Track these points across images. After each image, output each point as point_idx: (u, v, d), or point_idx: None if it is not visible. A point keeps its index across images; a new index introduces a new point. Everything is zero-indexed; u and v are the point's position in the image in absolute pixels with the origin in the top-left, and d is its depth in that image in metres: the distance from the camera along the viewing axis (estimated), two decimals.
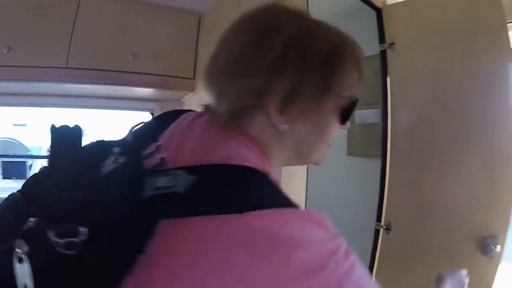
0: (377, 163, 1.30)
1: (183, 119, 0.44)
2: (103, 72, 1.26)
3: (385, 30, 1.31)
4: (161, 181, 0.31)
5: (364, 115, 1.43)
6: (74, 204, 0.31)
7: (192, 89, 1.49)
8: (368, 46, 1.37)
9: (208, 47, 1.40)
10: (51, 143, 0.36)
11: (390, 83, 1.28)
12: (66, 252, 0.28)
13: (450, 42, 1.07)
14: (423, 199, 1.11)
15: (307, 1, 0.93)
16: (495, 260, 0.90)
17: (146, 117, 1.93)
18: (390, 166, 1.24)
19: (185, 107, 1.65)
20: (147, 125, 0.47)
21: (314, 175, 0.97)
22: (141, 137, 0.43)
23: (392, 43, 1.25)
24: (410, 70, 1.21)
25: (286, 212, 0.32)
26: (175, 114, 0.47)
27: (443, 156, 1.07)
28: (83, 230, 0.28)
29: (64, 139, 0.37)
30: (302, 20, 0.41)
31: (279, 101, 0.38)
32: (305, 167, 0.90)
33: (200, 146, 0.38)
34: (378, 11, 1.35)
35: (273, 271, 0.28)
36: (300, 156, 0.45)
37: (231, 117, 0.39)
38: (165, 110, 1.76)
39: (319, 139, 0.44)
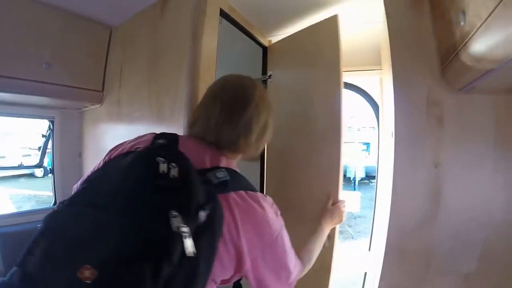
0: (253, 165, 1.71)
1: (185, 141, 0.69)
2: (15, 80, 1.26)
3: (268, 64, 1.75)
4: (220, 174, 0.63)
5: None
6: (201, 192, 0.55)
7: (99, 101, 1.58)
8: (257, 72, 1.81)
9: (117, 60, 1.50)
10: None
11: None
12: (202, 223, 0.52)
13: (303, 76, 1.54)
14: (287, 192, 1.52)
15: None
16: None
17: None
18: (266, 167, 1.65)
19: (86, 117, 1.83)
20: (164, 144, 0.68)
21: None
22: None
23: (270, 75, 1.69)
24: (280, 95, 1.65)
25: (260, 193, 0.69)
26: (171, 136, 0.70)
27: (298, 162, 1.49)
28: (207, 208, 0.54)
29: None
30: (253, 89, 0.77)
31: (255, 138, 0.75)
32: None
33: (215, 158, 0.69)
34: (264, 49, 1.79)
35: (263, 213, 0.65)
36: (243, 158, 0.80)
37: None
38: (66, 119, 1.88)
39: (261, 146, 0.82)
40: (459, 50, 0.78)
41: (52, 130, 1.91)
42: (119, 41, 1.52)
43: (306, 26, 1.50)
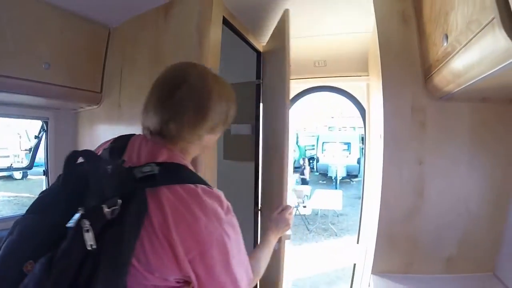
0: (247, 164, 1.82)
1: (135, 140, 0.72)
2: (14, 80, 1.23)
3: (262, 69, 1.87)
4: (146, 169, 0.61)
5: (238, 128, 1.93)
6: (113, 191, 0.57)
7: (98, 102, 1.60)
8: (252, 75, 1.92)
9: (116, 62, 1.52)
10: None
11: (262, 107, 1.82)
12: (112, 217, 0.53)
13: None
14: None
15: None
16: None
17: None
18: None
19: (81, 118, 1.84)
20: (114, 147, 0.73)
21: None
22: (115, 154, 0.70)
23: (263, 79, 1.81)
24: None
25: (204, 186, 0.65)
26: (128, 137, 0.75)
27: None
28: (119, 200, 0.55)
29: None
30: (200, 79, 0.72)
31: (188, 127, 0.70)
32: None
33: (152, 153, 0.67)
34: (258, 54, 1.90)
35: (201, 207, 0.61)
36: (202, 152, 0.80)
37: (168, 133, 0.69)
38: (60, 119, 1.87)
39: (215, 141, 0.82)
40: (441, 66, 0.93)
41: (46, 131, 1.89)
42: (118, 43, 1.55)
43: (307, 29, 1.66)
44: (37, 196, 0.65)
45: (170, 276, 0.60)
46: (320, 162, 10.36)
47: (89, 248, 0.51)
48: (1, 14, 1.18)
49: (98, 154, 0.72)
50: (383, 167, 1.21)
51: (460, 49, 0.77)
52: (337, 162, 9.33)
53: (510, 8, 0.54)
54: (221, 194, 0.68)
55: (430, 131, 1.17)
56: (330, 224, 5.62)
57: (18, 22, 1.23)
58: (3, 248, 0.57)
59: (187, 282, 0.62)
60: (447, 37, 0.84)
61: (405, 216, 1.19)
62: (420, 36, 1.13)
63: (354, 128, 11.99)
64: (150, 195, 0.59)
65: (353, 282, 2.02)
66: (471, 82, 0.81)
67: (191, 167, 0.70)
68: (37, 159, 2.04)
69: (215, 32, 1.26)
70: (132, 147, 0.70)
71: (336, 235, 5.29)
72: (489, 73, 0.71)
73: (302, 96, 2.35)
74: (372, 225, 1.32)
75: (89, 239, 0.51)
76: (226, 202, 0.67)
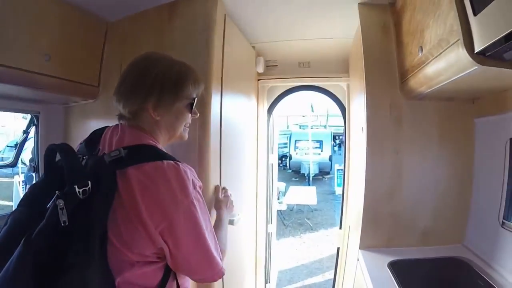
0: None
1: (107, 131, 0.84)
2: (15, 70, 1.23)
3: None
4: (113, 153, 0.71)
5: None
6: (83, 173, 0.68)
7: (95, 96, 1.64)
8: None
9: (115, 57, 1.57)
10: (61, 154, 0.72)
11: None
12: (83, 196, 0.63)
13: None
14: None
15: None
16: None
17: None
18: None
19: (74, 112, 1.85)
20: (90, 140, 0.85)
21: None
22: (91, 146, 0.82)
23: None
24: None
25: (171, 161, 0.73)
26: (102, 129, 0.87)
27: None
28: (89, 182, 0.65)
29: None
30: (165, 61, 0.85)
31: (152, 105, 0.80)
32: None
33: (121, 139, 0.77)
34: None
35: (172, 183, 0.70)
36: (171, 135, 0.87)
37: (132, 116, 0.81)
38: (51, 113, 1.88)
39: (178, 123, 0.87)
40: (416, 71, 1.17)
41: (37, 126, 1.88)
42: (117, 38, 1.61)
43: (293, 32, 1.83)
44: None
45: (147, 251, 0.69)
46: (293, 159, 10.72)
47: (62, 224, 0.61)
48: (3, 4, 1.19)
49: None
50: (366, 155, 1.43)
51: (432, 59, 1.01)
52: (309, 159, 9.73)
53: (471, 34, 0.77)
54: (191, 170, 0.77)
55: (405, 125, 1.43)
56: (305, 219, 5.93)
57: (19, 13, 1.24)
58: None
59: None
60: (422, 48, 1.08)
61: (386, 196, 1.44)
62: (398, 46, 1.37)
63: (325, 126, 12.61)
64: (119, 176, 0.68)
65: (338, 264, 2.25)
66: (440, 85, 1.05)
67: (162, 149, 0.81)
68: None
69: (219, 32, 1.40)
70: (105, 137, 0.81)
71: (312, 229, 5.59)
72: (453, 78, 0.96)
73: (288, 94, 2.55)
74: (358, 207, 1.55)
75: (63, 216, 0.61)
76: (197, 180, 0.77)
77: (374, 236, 1.46)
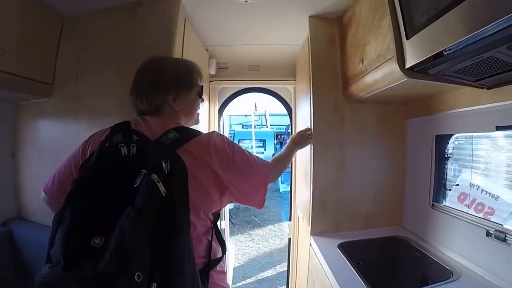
0: None
1: (136, 123, 0.91)
2: None
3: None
4: (170, 135, 0.84)
5: None
6: (163, 153, 0.77)
7: (48, 94, 1.55)
8: None
9: (71, 53, 1.53)
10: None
11: None
12: (167, 172, 0.72)
13: None
14: None
15: None
16: None
17: None
18: None
19: (23, 112, 1.71)
20: (121, 131, 0.87)
21: None
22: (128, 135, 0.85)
23: None
24: None
25: (208, 133, 0.92)
26: (123, 124, 0.91)
27: None
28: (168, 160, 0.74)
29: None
30: (171, 60, 1.04)
31: (172, 98, 0.96)
32: None
33: (161, 126, 0.89)
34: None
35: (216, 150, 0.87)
36: (189, 120, 1.03)
37: (156, 110, 0.95)
38: None
39: (194, 109, 1.05)
40: (357, 79, 1.39)
41: None
42: (74, 35, 1.56)
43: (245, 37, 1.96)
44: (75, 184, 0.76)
45: (212, 210, 0.88)
46: None
47: (163, 194, 0.69)
48: None
49: (101, 143, 0.84)
50: (313, 151, 1.62)
51: (371, 70, 1.23)
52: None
53: (403, 53, 0.98)
54: (217, 133, 0.94)
55: (347, 125, 1.66)
56: (253, 216, 6.12)
57: None
58: (64, 231, 0.66)
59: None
60: (363, 60, 1.29)
61: (332, 186, 1.65)
62: (342, 55, 1.59)
63: (266, 125, 13.01)
64: (181, 152, 0.80)
65: (290, 253, 2.44)
66: (376, 91, 1.28)
67: None
68: None
69: (180, 33, 1.46)
70: (139, 128, 0.89)
71: (259, 225, 5.80)
72: (387, 87, 1.18)
73: (238, 96, 2.67)
74: (306, 198, 1.74)
75: (161, 187, 0.69)
76: (224, 137, 0.94)
77: (323, 223, 1.66)
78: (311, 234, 1.63)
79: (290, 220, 2.54)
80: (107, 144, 0.82)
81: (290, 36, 1.98)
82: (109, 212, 0.67)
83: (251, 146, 10.42)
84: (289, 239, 2.48)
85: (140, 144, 0.79)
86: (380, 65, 1.14)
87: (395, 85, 1.12)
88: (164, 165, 0.72)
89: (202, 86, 1.06)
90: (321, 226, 1.65)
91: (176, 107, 0.97)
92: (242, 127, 13.34)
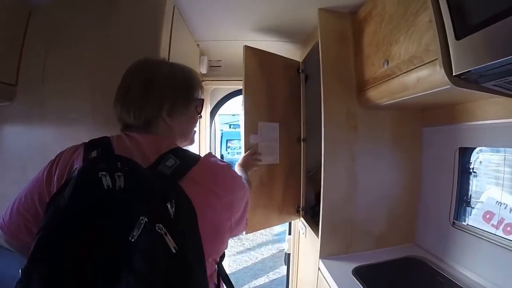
0: None
1: (119, 141, 0.73)
2: None
3: None
4: (170, 163, 0.66)
5: None
6: (167, 190, 0.61)
7: (11, 97, 1.30)
8: None
9: (38, 50, 1.29)
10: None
11: None
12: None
13: None
14: None
15: None
16: None
17: None
18: None
19: None
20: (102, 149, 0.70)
21: None
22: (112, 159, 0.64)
23: None
24: None
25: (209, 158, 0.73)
26: (106, 138, 0.74)
27: None
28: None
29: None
30: (166, 65, 0.85)
31: (167, 111, 0.78)
32: None
33: (154, 148, 0.71)
34: None
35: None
36: (184, 140, 0.86)
37: (146, 124, 0.77)
38: None
39: (191, 126, 0.88)
40: (377, 84, 1.23)
41: None
42: (42, 26, 1.31)
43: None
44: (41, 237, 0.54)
45: (220, 253, 0.75)
46: (225, 159, 10.68)
47: (173, 251, 0.52)
48: None
49: (79, 173, 0.63)
50: (324, 164, 1.45)
51: (400, 74, 1.06)
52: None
53: (449, 56, 0.82)
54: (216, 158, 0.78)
55: (361, 133, 1.49)
56: None
57: None
58: None
59: None
60: (387, 62, 1.12)
61: (344, 203, 1.48)
62: (356, 55, 1.42)
63: None
64: (182, 182, 0.64)
65: (290, 270, 2.28)
66: (405, 98, 1.11)
67: None
68: None
69: (168, 24, 1.28)
70: (123, 147, 0.71)
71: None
72: (421, 94, 1.01)
73: (232, 97, 2.53)
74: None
75: (171, 242, 0.52)
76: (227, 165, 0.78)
77: (333, 244, 1.49)
78: (320, 258, 1.47)
79: (289, 233, 2.37)
80: (84, 172, 0.61)
81: (292, 32, 1.80)
82: (94, 282, 0.49)
83: (239, 146, 10.29)
84: (289, 254, 2.31)
85: (128, 173, 0.58)
86: (414, 68, 0.97)
87: (431, 92, 0.97)
88: (169, 207, 0.56)
89: (203, 99, 0.90)
90: (331, 248, 1.49)
91: (171, 123, 0.79)
92: (230, 127, 13.16)
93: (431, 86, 0.93)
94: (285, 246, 2.42)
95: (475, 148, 1.36)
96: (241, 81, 2.21)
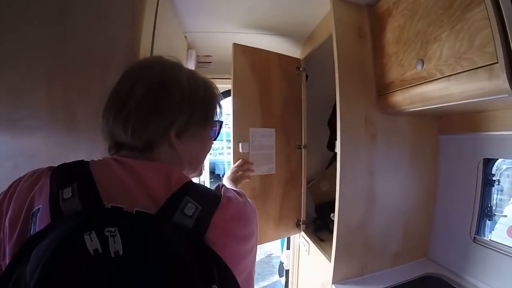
0: None
1: (104, 170, 0.53)
2: None
3: None
4: (189, 211, 0.47)
5: None
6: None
7: None
8: None
9: None
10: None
11: None
12: None
13: None
14: None
15: None
16: None
17: None
18: None
19: None
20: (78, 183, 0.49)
21: None
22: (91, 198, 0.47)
23: None
24: None
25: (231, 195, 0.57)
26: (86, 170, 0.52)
27: None
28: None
29: None
30: (183, 70, 0.65)
31: (177, 131, 0.59)
32: None
33: (163, 180, 0.52)
34: None
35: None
36: (192, 169, 0.67)
37: (147, 146, 0.57)
38: None
39: (203, 153, 0.69)
40: (406, 88, 1.09)
41: None
42: None
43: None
44: None
45: None
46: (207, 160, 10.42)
47: None
48: None
49: (32, 203, 0.49)
50: (339, 184, 1.28)
51: (441, 77, 0.92)
52: (224, 159, 9.60)
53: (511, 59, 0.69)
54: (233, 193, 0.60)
55: (379, 143, 1.34)
56: None
57: None
58: None
59: None
60: (422, 62, 0.98)
61: (360, 223, 1.34)
62: (377, 54, 1.28)
63: None
64: (211, 237, 0.48)
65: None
66: (443, 104, 0.97)
67: None
68: None
69: (152, 7, 1.07)
70: (112, 180, 0.51)
71: None
72: (465, 101, 0.88)
73: (224, 98, 2.29)
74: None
75: None
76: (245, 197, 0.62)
77: (348, 266, 1.35)
78: (333, 283, 1.32)
79: (288, 247, 2.23)
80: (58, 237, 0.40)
81: (294, 26, 1.64)
82: None
83: (222, 147, 10.05)
84: (287, 270, 2.17)
85: (127, 227, 0.40)
86: (462, 72, 0.84)
87: (479, 101, 0.84)
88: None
89: (222, 122, 0.72)
90: (345, 272, 1.34)
91: (178, 146, 0.60)
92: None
93: (484, 94, 0.80)
94: (283, 260, 2.28)
95: (497, 158, 1.27)
96: None
